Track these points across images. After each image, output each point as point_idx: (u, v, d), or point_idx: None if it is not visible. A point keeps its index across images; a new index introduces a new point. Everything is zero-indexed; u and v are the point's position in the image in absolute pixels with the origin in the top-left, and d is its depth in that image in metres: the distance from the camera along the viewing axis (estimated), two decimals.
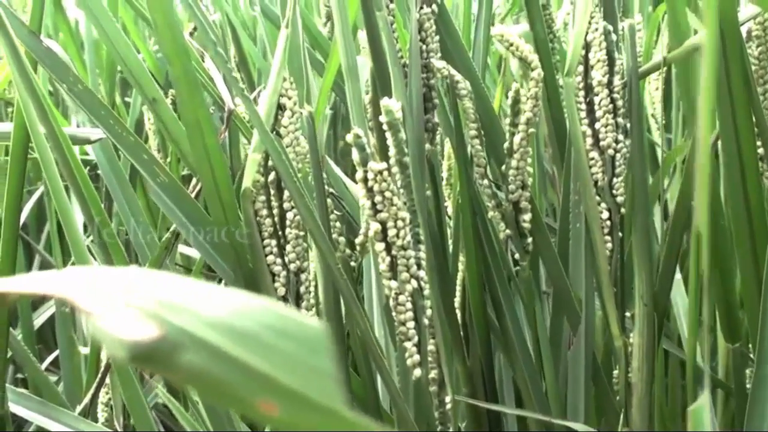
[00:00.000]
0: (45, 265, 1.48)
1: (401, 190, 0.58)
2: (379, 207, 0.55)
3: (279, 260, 0.61)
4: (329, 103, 1.26)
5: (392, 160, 0.58)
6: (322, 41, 1.00)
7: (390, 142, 0.57)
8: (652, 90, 1.14)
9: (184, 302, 0.16)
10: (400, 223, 0.55)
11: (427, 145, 0.68)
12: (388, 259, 0.56)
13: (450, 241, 0.75)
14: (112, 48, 0.69)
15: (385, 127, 0.56)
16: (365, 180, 0.55)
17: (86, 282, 0.15)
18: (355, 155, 0.54)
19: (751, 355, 0.99)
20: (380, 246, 0.55)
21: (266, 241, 0.61)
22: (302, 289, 0.62)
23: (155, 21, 0.54)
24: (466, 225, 0.69)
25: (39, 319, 1.31)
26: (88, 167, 1.31)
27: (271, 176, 0.61)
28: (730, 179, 0.64)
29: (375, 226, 0.55)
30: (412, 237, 0.57)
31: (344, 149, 1.34)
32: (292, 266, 0.61)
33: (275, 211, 0.61)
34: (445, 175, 0.83)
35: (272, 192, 0.61)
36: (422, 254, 0.57)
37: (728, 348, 0.93)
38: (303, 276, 0.62)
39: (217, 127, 1.00)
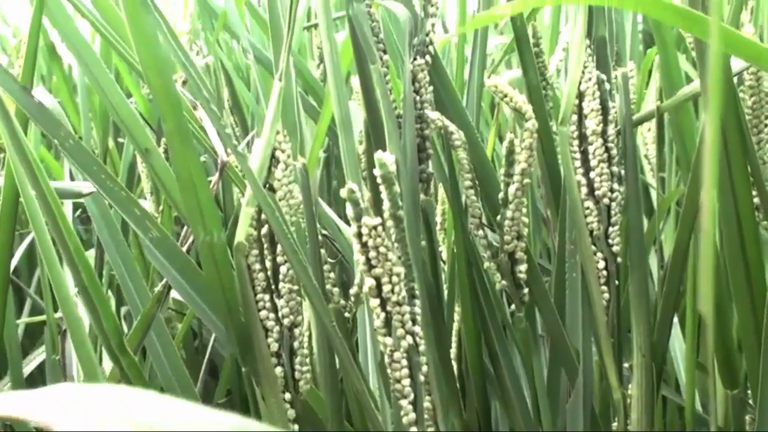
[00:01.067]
0: (36, 309, 1.47)
1: (396, 244, 0.57)
2: (373, 262, 0.54)
3: (272, 315, 0.60)
4: (323, 147, 1.26)
5: (386, 214, 0.57)
6: (315, 86, 1.00)
7: (384, 195, 0.56)
8: (645, 131, 1.14)
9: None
10: (395, 279, 0.54)
11: (422, 196, 0.67)
12: (383, 315, 0.55)
13: (445, 290, 0.74)
14: (105, 97, 0.69)
15: (379, 180, 0.56)
16: (359, 235, 0.54)
17: (65, 406, 0.14)
18: (349, 210, 0.54)
19: (750, 401, 0.98)
20: (375, 302, 0.55)
21: (259, 296, 0.60)
22: (296, 344, 0.61)
23: (148, 76, 0.53)
24: (461, 275, 0.69)
25: (29, 366, 1.30)
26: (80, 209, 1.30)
27: (264, 229, 0.60)
28: (727, 229, 0.64)
29: (369, 282, 0.54)
30: (407, 292, 0.56)
31: (338, 189, 1.33)
32: (285, 321, 0.60)
33: (268, 265, 0.61)
34: (439, 219, 0.83)
35: (265, 245, 0.60)
36: (417, 309, 0.56)
37: (727, 394, 0.92)
38: (297, 331, 0.61)
39: (211, 174, 0.99)
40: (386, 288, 0.54)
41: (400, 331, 0.55)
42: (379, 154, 0.55)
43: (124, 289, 0.66)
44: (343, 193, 0.54)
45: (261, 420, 0.63)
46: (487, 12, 0.64)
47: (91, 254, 1.30)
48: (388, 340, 0.55)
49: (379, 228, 0.54)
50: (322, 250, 0.68)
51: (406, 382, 0.55)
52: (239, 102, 1.38)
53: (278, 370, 0.60)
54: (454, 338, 0.75)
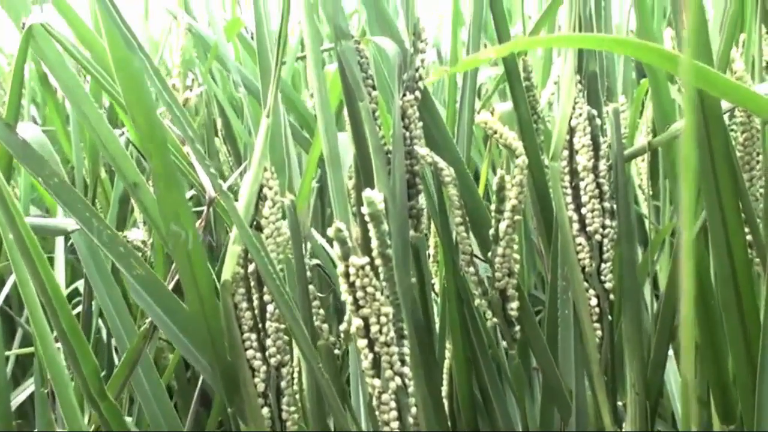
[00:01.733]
0: (26, 339, 1.46)
1: (384, 284, 0.57)
2: (361, 302, 0.53)
3: (259, 354, 0.59)
4: (315, 177, 1.25)
5: (375, 252, 0.56)
6: (309, 119, 0.99)
7: (372, 234, 0.56)
8: (639, 161, 1.14)
9: None
10: (383, 319, 0.53)
11: (412, 232, 0.66)
12: (371, 356, 0.54)
13: (437, 327, 0.73)
14: (93, 132, 0.68)
15: (367, 218, 0.55)
16: (347, 275, 0.53)
17: None
18: (337, 249, 0.53)
19: None
20: (362, 342, 0.54)
21: (246, 335, 0.59)
22: (283, 384, 0.60)
23: (133, 117, 0.53)
24: (452, 312, 0.68)
25: (22, 395, 1.28)
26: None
27: (252, 267, 0.59)
28: (720, 265, 0.63)
29: (357, 323, 0.53)
30: (395, 332, 0.55)
31: (332, 216, 1.32)
32: (272, 360, 0.59)
33: (255, 303, 0.60)
34: (431, 251, 0.82)
35: (253, 284, 0.60)
36: (406, 350, 0.55)
37: (723, 429, 0.91)
38: (284, 370, 0.60)
39: (202, 203, 0.98)
40: (374, 328, 0.53)
41: (389, 373, 0.54)
42: (367, 192, 0.55)
43: (111, 326, 0.65)
44: (330, 232, 0.53)
45: None
46: (474, 55, 0.63)
47: (81, 283, 1.29)
48: (377, 382, 0.54)
49: (367, 268, 0.53)
50: (311, 286, 0.67)
51: (395, 425, 0.54)
52: (232, 132, 1.38)
53: (265, 410, 0.59)
54: (445, 375, 0.74)
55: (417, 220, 0.67)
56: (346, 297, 0.54)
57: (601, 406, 0.69)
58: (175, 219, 0.57)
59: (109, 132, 0.70)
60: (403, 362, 0.55)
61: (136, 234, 1.30)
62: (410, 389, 0.55)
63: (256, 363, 0.59)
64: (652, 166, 0.97)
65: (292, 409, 0.61)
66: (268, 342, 0.59)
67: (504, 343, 0.68)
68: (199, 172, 0.65)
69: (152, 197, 0.71)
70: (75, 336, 0.55)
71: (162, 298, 0.59)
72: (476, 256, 0.68)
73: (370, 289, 0.53)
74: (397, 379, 0.54)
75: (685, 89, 0.36)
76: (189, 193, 1.07)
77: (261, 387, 0.59)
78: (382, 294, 0.54)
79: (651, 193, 0.96)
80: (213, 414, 1.16)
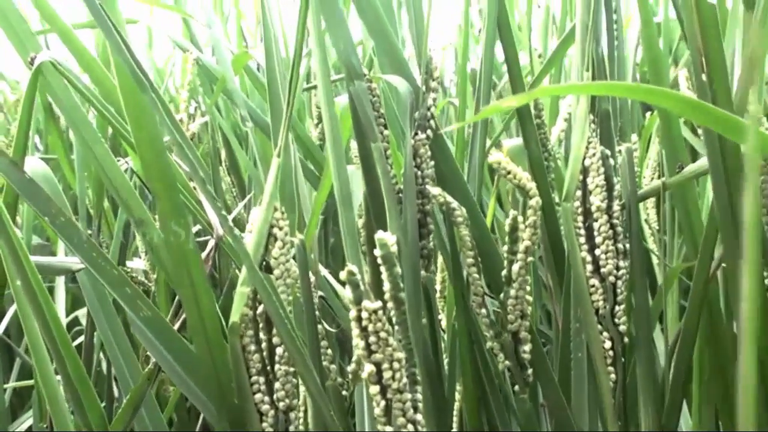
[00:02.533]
0: (24, 369, 1.44)
1: (396, 327, 0.55)
2: (373, 347, 0.52)
3: (267, 398, 0.58)
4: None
5: (387, 296, 0.55)
6: (315, 153, 0.99)
7: (384, 276, 0.54)
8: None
9: None
10: (395, 365, 0.52)
11: (423, 272, 0.65)
12: (383, 402, 0.52)
13: (446, 367, 0.72)
14: (99, 167, 0.68)
15: (379, 260, 0.54)
16: (359, 319, 0.52)
17: None
18: (349, 293, 0.52)
19: None
20: (375, 389, 0.52)
21: (254, 378, 0.58)
22: (291, 428, 0.59)
23: (142, 155, 0.52)
24: (463, 354, 0.67)
25: (19, 428, 1.27)
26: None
27: (260, 308, 0.58)
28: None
29: (369, 368, 0.52)
30: (408, 378, 0.54)
31: (335, 246, 1.31)
32: (281, 405, 0.58)
33: (264, 345, 0.58)
34: (438, 287, 0.81)
35: (261, 325, 0.58)
36: (419, 396, 0.54)
37: None
38: (292, 414, 0.59)
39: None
40: (387, 374, 0.52)
41: (401, 420, 0.53)
42: (379, 234, 0.54)
43: (115, 364, 0.64)
44: (343, 275, 0.52)
45: None
46: (495, 104, 0.63)
47: (83, 313, 1.27)
48: (389, 429, 0.53)
49: (380, 312, 0.52)
50: (319, 326, 0.66)
51: None
52: (236, 162, 1.37)
53: None
54: (455, 417, 0.72)
55: (428, 260, 0.66)
56: (357, 342, 0.52)
57: None
58: (183, 259, 0.56)
59: (114, 165, 0.69)
60: (416, 409, 0.54)
61: (138, 264, 1.29)
62: None
63: (264, 407, 0.58)
64: (659, 207, 0.96)
65: None
66: (277, 385, 0.58)
67: (516, 387, 0.67)
68: (208, 210, 0.64)
69: (158, 233, 0.70)
70: (77, 371, 0.54)
71: (168, 340, 0.57)
72: (487, 294, 0.67)
73: (383, 335, 0.52)
74: (410, 427, 0.53)
75: (749, 160, 0.35)
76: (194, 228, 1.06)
77: None
78: (394, 339, 0.52)
79: (660, 231, 0.95)
80: None
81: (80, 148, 0.68)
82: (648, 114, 1.21)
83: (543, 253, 0.74)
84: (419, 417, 0.54)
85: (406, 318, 0.55)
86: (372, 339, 0.52)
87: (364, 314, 0.52)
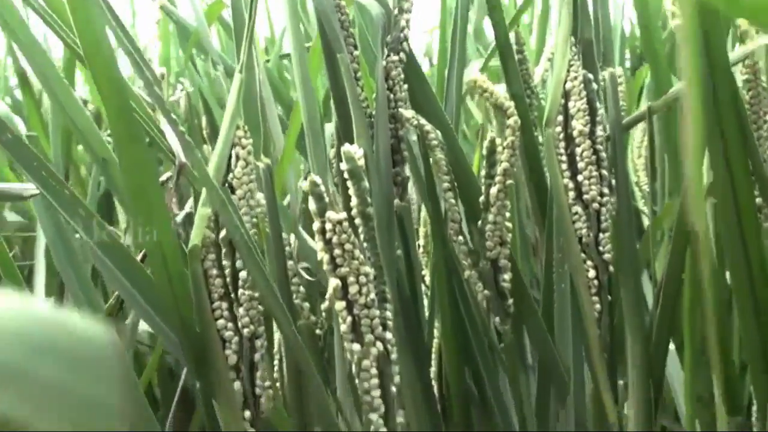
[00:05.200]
0: None
1: (365, 245, 0.52)
2: (338, 261, 0.49)
3: (230, 325, 0.55)
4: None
5: (354, 211, 0.52)
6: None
7: (351, 191, 0.51)
8: (636, 158, 1.10)
9: None
10: (362, 279, 0.49)
11: (397, 201, 0.62)
12: (349, 319, 0.50)
13: (426, 305, 0.69)
14: (62, 109, 0.65)
15: (346, 175, 0.51)
16: (323, 231, 0.49)
17: None
18: (312, 205, 0.49)
19: (755, 429, 0.92)
20: (340, 305, 0.50)
21: (216, 304, 0.55)
22: (257, 357, 0.56)
23: (92, 66, 0.49)
24: (440, 286, 0.64)
25: None
26: None
27: (223, 232, 0.55)
28: (728, 232, 0.59)
29: (334, 283, 0.49)
30: (377, 295, 0.51)
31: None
32: (245, 331, 0.55)
33: (227, 271, 0.55)
34: (421, 242, 0.78)
35: (224, 250, 0.55)
36: (389, 314, 0.51)
37: (729, 421, 0.86)
38: (258, 342, 0.56)
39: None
40: (353, 289, 0.49)
41: (369, 337, 0.50)
42: (346, 147, 0.51)
43: (75, 299, 0.60)
44: (305, 185, 0.49)
45: None
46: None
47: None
48: (356, 347, 0.50)
49: (345, 224, 0.49)
50: (290, 262, 0.63)
51: (376, 393, 0.50)
52: (217, 130, 1.34)
53: (237, 385, 0.55)
54: (434, 356, 0.69)
55: (402, 188, 0.63)
56: (322, 256, 0.49)
57: (601, 385, 0.64)
58: (138, 181, 0.53)
59: (76, 104, 0.66)
60: (385, 327, 0.51)
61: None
62: (393, 356, 0.51)
63: (227, 334, 0.55)
64: (651, 146, 0.93)
65: (267, 384, 0.56)
66: (241, 311, 0.55)
67: (497, 319, 0.64)
68: (170, 138, 0.61)
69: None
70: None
71: (126, 266, 0.54)
72: (465, 235, 0.64)
73: (348, 246, 0.49)
74: (379, 345, 0.50)
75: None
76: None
77: (233, 359, 0.55)
78: (361, 253, 0.50)
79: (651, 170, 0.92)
80: (196, 414, 1.11)
81: (39, 79, 0.65)
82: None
83: (527, 188, 0.70)
84: (389, 335, 0.51)
85: (374, 235, 0.52)
86: (337, 252, 0.49)
87: (328, 226, 0.49)
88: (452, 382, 0.65)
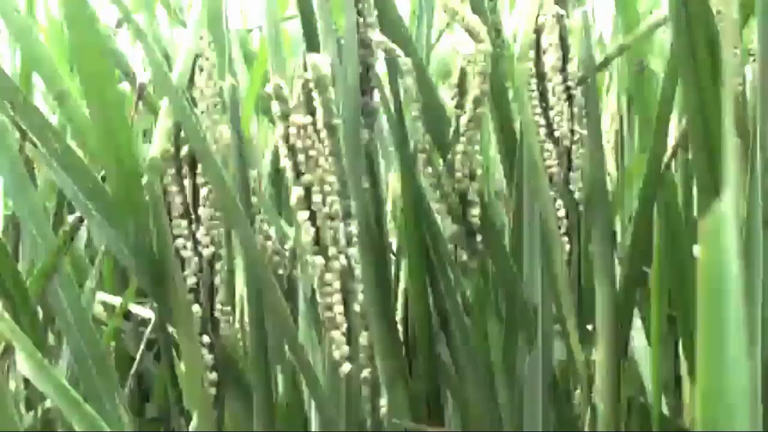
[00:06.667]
0: None
1: (330, 158, 0.51)
2: (302, 168, 0.47)
3: (189, 244, 0.53)
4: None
5: (320, 124, 0.50)
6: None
7: (317, 102, 0.50)
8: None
9: None
10: (326, 188, 0.47)
11: (366, 134, 0.61)
12: (312, 230, 0.48)
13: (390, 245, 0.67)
14: (20, 37, 0.63)
15: (311, 85, 0.49)
16: (286, 137, 0.47)
17: None
18: (276, 108, 0.47)
19: None
20: (303, 215, 0.48)
21: (175, 221, 0.53)
22: (217, 279, 0.54)
23: None
24: (408, 222, 0.62)
25: None
26: None
27: (184, 150, 0.53)
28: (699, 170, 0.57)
29: (297, 192, 0.47)
30: (342, 209, 0.49)
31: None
32: (205, 252, 0.53)
33: (187, 191, 0.53)
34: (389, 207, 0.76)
35: (185, 166, 0.53)
36: (353, 229, 0.49)
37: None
38: (218, 265, 0.54)
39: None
40: (316, 198, 0.47)
41: (332, 250, 0.48)
42: (312, 56, 0.49)
43: (24, 228, 0.58)
44: (269, 88, 0.47)
45: (175, 371, 0.56)
46: None
47: None
48: (319, 260, 0.48)
49: (310, 128, 0.47)
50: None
51: (339, 309, 0.48)
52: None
53: (195, 308, 0.53)
54: (399, 298, 0.67)
55: (371, 118, 0.62)
56: (285, 163, 0.48)
57: (569, 328, 0.63)
58: (98, 91, 0.51)
59: (32, 34, 0.64)
60: (349, 242, 0.49)
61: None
62: (357, 273, 0.49)
63: (186, 254, 0.53)
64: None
65: (227, 309, 0.54)
66: (201, 230, 0.53)
67: (465, 257, 0.63)
68: (130, 57, 0.59)
69: (81, 111, 0.65)
70: None
71: (82, 178, 0.52)
72: (434, 166, 0.62)
73: (312, 152, 0.47)
74: (342, 259, 0.48)
75: None
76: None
77: (191, 281, 0.53)
78: (326, 162, 0.48)
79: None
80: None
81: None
82: None
83: (493, 130, 0.69)
84: (353, 251, 0.49)
85: (340, 148, 0.50)
86: (300, 158, 0.47)
87: (292, 130, 0.47)
88: (417, 320, 0.63)
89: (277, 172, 1.14)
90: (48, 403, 0.81)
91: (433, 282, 0.63)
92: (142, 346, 0.92)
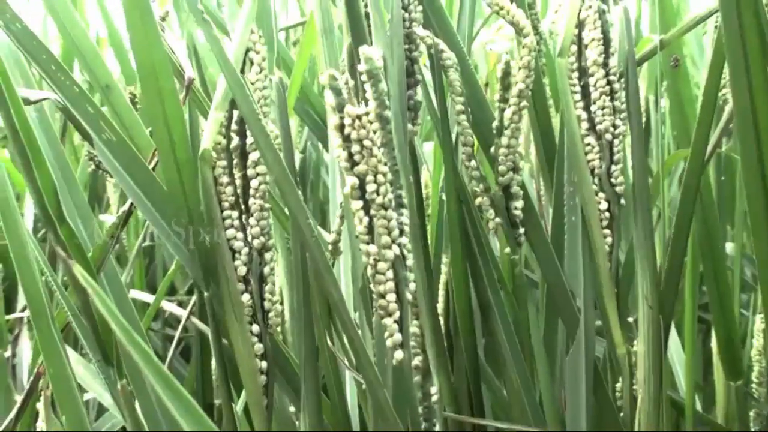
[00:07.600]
0: None
1: (382, 150, 0.51)
2: (356, 158, 0.48)
3: (240, 235, 0.54)
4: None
5: (372, 115, 0.51)
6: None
7: (369, 94, 0.50)
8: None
9: None
10: (380, 178, 0.48)
11: (410, 126, 0.61)
12: (366, 219, 0.48)
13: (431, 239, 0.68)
14: (65, 31, 0.64)
15: (363, 77, 0.50)
16: (341, 128, 0.48)
17: None
18: (330, 99, 0.48)
19: (755, 395, 0.91)
20: (357, 204, 0.48)
21: (226, 212, 0.53)
22: (266, 270, 0.54)
23: None
24: (451, 214, 0.62)
25: None
26: None
27: (235, 141, 0.54)
28: (747, 165, 0.57)
29: (351, 181, 0.48)
30: (394, 199, 0.49)
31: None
32: (255, 243, 0.54)
33: (238, 182, 0.54)
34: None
35: (235, 159, 0.54)
36: (405, 219, 0.50)
37: (729, 386, 0.86)
38: (267, 255, 0.54)
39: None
40: (370, 188, 0.48)
41: (386, 239, 0.48)
42: (364, 48, 0.50)
43: (68, 213, 0.58)
44: (324, 79, 0.48)
45: (222, 356, 0.56)
46: None
47: None
48: (372, 248, 0.48)
49: (365, 118, 0.48)
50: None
51: (392, 297, 0.48)
52: (207, 86, 1.32)
53: (245, 297, 0.53)
54: (441, 291, 0.68)
55: (414, 113, 0.62)
56: (339, 153, 0.48)
57: (610, 320, 0.63)
58: (152, 70, 0.51)
59: (79, 28, 0.65)
60: (402, 232, 0.50)
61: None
62: (409, 262, 0.50)
63: (237, 244, 0.53)
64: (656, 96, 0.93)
65: (276, 298, 0.55)
66: (251, 221, 0.54)
67: (507, 250, 0.63)
68: (179, 53, 0.60)
69: (126, 102, 0.65)
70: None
71: (135, 169, 0.53)
72: (477, 160, 0.63)
73: (367, 143, 0.47)
74: (395, 248, 0.49)
75: None
76: None
77: (242, 271, 0.53)
78: (379, 151, 0.48)
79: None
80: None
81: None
82: None
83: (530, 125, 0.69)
84: (405, 240, 0.50)
85: (392, 138, 0.51)
86: (355, 148, 0.48)
87: (347, 120, 0.48)
88: (460, 315, 0.63)
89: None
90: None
91: (475, 274, 0.64)
92: (173, 345, 0.92)
